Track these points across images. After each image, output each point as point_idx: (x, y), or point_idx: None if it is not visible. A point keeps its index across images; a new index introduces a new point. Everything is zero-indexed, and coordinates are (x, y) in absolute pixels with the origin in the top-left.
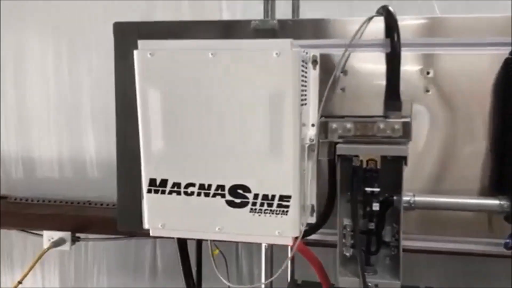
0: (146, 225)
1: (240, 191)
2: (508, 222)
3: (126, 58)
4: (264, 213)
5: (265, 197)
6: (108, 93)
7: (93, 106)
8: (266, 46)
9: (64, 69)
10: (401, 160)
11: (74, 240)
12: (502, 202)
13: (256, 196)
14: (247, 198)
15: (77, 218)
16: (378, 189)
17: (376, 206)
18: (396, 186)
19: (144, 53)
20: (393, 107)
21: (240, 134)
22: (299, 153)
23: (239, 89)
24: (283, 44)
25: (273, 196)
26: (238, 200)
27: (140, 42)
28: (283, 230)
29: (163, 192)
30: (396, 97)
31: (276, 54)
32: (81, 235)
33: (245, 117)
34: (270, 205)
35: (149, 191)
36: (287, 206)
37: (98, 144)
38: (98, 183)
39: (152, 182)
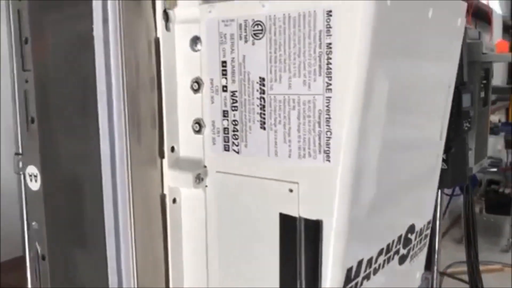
0: None
1: (409, 235)
2: None
3: None
4: (416, 255)
5: (421, 231)
6: None
7: None
8: None
9: None
10: None
11: None
12: None
13: (418, 234)
14: (411, 242)
15: None
16: None
17: None
18: None
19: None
20: None
21: (422, 140)
22: None
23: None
24: None
25: (424, 226)
26: (405, 250)
27: None
28: (422, 268)
29: (357, 287)
30: None
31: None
32: None
33: (431, 112)
34: (421, 240)
35: None
36: (427, 235)
37: None
38: None
39: (348, 275)
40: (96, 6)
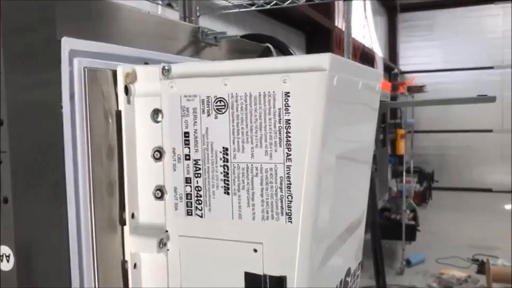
0: None
1: (347, 278)
2: None
3: None
4: None
5: (354, 273)
6: None
7: None
8: None
9: None
10: None
11: None
12: None
13: (352, 276)
14: (348, 284)
15: None
16: None
17: None
18: None
19: (330, 76)
20: None
21: (361, 187)
22: None
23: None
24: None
25: (357, 268)
26: None
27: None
28: None
29: None
30: None
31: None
32: None
33: (365, 163)
34: (354, 281)
35: None
36: (359, 275)
37: None
38: None
39: None
40: (64, 82)
